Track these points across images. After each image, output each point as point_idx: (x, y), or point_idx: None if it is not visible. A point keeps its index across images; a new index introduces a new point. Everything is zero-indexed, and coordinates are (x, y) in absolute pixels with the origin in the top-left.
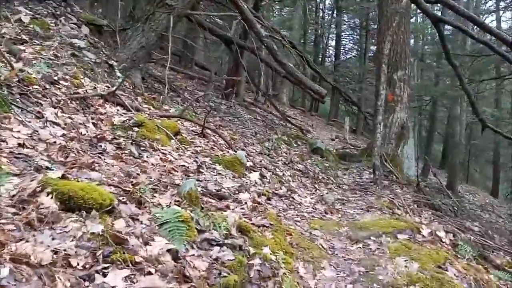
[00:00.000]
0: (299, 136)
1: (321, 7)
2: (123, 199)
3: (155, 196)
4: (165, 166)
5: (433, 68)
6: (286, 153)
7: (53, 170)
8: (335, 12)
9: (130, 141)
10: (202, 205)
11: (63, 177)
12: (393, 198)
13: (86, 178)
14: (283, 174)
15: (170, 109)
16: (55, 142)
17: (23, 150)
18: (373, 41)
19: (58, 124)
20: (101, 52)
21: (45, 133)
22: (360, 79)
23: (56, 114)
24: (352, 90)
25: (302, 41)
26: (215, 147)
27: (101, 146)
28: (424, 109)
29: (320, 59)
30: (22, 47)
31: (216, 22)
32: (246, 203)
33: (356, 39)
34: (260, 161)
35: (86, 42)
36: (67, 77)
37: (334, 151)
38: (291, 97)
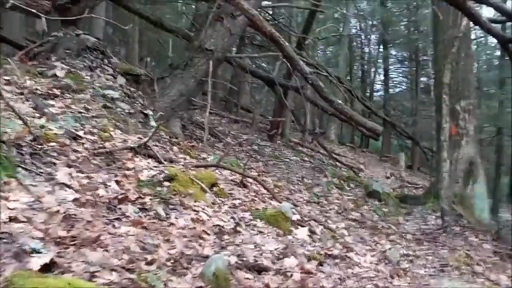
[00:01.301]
0: (351, 177)
1: (366, 42)
2: None
3: (171, 281)
4: (195, 228)
5: (495, 96)
6: (339, 199)
7: (40, 253)
8: (381, 46)
9: (158, 200)
10: None
11: (45, 267)
12: (468, 250)
13: (82, 262)
14: (337, 227)
15: (208, 157)
16: (58, 211)
17: (12, 226)
18: (423, 72)
19: (70, 187)
20: (137, 102)
21: (49, 200)
22: (413, 112)
23: (70, 174)
24: (405, 124)
25: (349, 77)
26: (256, 198)
27: (120, 209)
28: (488, 140)
29: (368, 94)
30: (51, 102)
31: (259, 64)
32: (292, 275)
33: (405, 72)
34: (309, 212)
35: (120, 92)
36: (95, 130)
37: (392, 191)
38: (339, 134)
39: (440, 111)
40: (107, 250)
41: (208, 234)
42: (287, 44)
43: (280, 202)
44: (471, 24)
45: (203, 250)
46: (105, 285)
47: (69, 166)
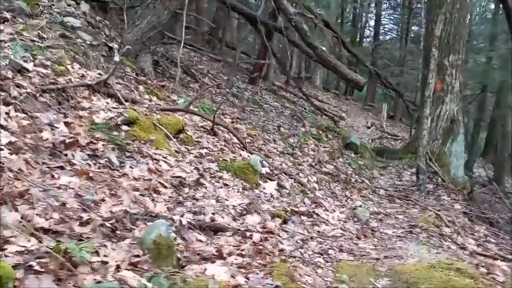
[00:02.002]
0: (330, 127)
1: None
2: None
3: (104, 247)
4: (150, 180)
5: (483, 51)
6: (314, 151)
7: None
8: None
9: (112, 146)
10: (179, 257)
11: None
12: (439, 210)
13: None
14: (308, 180)
15: (179, 100)
16: None
17: None
18: (415, 21)
19: (6, 128)
20: (102, 33)
21: None
22: (401, 62)
23: (7, 113)
24: (392, 74)
25: (339, 20)
26: (226, 148)
27: (66, 155)
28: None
29: (358, 40)
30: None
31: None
32: (251, 235)
33: (397, 19)
34: (281, 164)
35: (82, 21)
36: (48, 62)
37: (371, 142)
38: (325, 79)
39: (428, 65)
40: (33, 208)
41: (165, 187)
42: None
43: (251, 153)
44: None
45: (154, 207)
46: (14, 255)
47: (8, 104)
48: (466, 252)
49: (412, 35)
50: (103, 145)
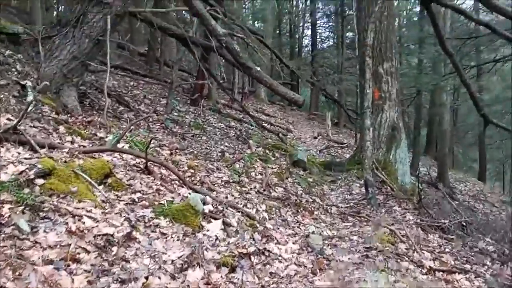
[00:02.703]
0: (277, 145)
1: None
2: None
3: None
4: (69, 245)
5: (415, 54)
6: (262, 174)
7: None
8: (308, 0)
9: (22, 208)
10: None
11: None
12: (393, 224)
13: None
14: (257, 211)
15: (107, 137)
16: None
17: None
18: (349, 27)
19: None
20: (13, 70)
21: None
22: (339, 69)
23: None
24: (332, 82)
25: (277, 31)
26: (162, 188)
27: None
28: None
29: (297, 49)
30: None
31: (183, 16)
32: None
33: (332, 27)
34: (226, 197)
35: None
36: None
37: (319, 153)
38: (270, 92)
39: (364, 75)
40: None
41: (88, 252)
42: None
43: (192, 189)
44: None
45: (72, 283)
46: None
47: None
48: (424, 271)
49: (347, 41)
50: (9, 208)
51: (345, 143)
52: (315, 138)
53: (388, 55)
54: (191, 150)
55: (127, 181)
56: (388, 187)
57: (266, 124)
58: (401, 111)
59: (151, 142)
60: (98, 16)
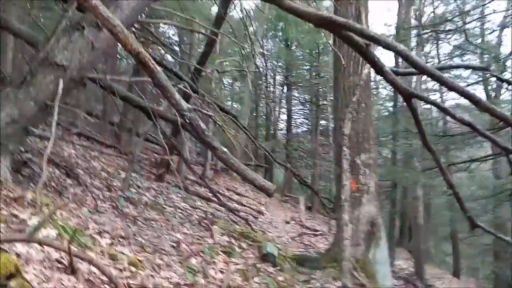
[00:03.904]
0: (245, 233)
1: (271, 82)
2: None
3: None
4: None
5: (386, 145)
6: (223, 271)
7: None
8: (285, 88)
9: None
10: None
11: None
12: None
13: None
14: None
15: (30, 220)
16: None
17: None
18: (323, 116)
19: None
20: None
21: None
22: (313, 153)
23: None
24: (306, 165)
25: (254, 113)
26: None
27: None
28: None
29: (272, 131)
30: None
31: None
32: None
33: (307, 114)
34: None
35: None
36: None
37: (291, 241)
38: None
39: (340, 165)
40: None
41: None
42: (159, 69)
43: None
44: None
45: None
46: None
47: None
48: None
49: (321, 128)
50: None
51: (318, 231)
52: (288, 223)
53: (366, 146)
54: (140, 239)
55: (39, 284)
56: None
57: (236, 205)
58: (379, 205)
59: (89, 227)
60: (49, 78)
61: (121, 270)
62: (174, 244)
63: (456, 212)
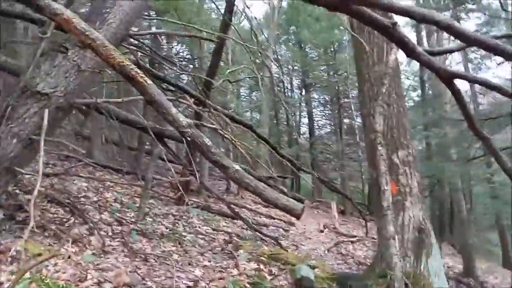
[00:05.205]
0: (274, 255)
1: (288, 87)
2: None
3: None
4: None
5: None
6: None
7: None
8: (303, 91)
9: None
10: None
11: None
12: None
13: None
14: None
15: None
16: None
17: None
18: (345, 114)
19: None
20: None
21: None
22: (339, 156)
23: None
24: (333, 168)
25: (275, 121)
26: None
27: None
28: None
29: (295, 137)
30: None
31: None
32: None
33: (329, 114)
34: None
35: None
36: None
37: (327, 253)
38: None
39: (376, 166)
40: None
41: None
42: (150, 83)
43: None
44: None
45: None
46: None
47: None
48: None
49: (345, 127)
50: None
51: (355, 237)
52: (321, 231)
53: (403, 141)
54: (149, 283)
55: None
56: None
57: (265, 218)
58: (426, 208)
59: (88, 278)
60: (32, 110)
61: None
62: (191, 284)
63: (499, 200)
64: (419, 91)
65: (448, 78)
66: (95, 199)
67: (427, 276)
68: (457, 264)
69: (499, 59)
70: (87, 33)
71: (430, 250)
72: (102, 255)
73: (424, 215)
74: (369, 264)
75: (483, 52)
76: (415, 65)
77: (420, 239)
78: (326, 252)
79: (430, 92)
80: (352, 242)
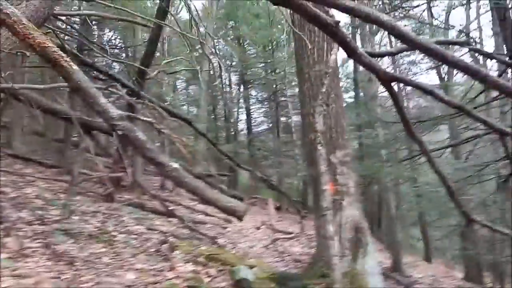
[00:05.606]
0: (212, 255)
1: (226, 82)
2: None
3: None
4: None
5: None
6: None
7: None
8: (241, 87)
9: None
10: None
11: None
12: None
13: None
14: None
15: None
16: None
17: None
18: (282, 113)
19: None
20: None
21: None
22: (276, 153)
23: None
24: (271, 166)
25: (213, 116)
26: None
27: None
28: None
29: (233, 133)
30: None
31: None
32: None
33: (267, 112)
34: None
35: None
36: None
37: (265, 248)
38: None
39: (316, 166)
40: None
41: None
42: (75, 68)
43: None
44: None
45: None
46: None
47: None
48: None
49: (282, 125)
50: None
51: (291, 233)
52: (258, 228)
53: (341, 141)
54: (72, 275)
55: None
56: None
57: (201, 216)
58: (362, 207)
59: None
60: None
61: None
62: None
63: (422, 198)
64: (352, 93)
65: (387, 80)
66: (13, 195)
67: (363, 274)
68: (385, 259)
69: (426, 65)
70: (0, 7)
71: (366, 249)
72: (20, 259)
73: (360, 215)
74: (305, 261)
75: (411, 58)
76: (349, 66)
77: (358, 238)
78: (264, 249)
79: (362, 94)
80: (288, 239)
